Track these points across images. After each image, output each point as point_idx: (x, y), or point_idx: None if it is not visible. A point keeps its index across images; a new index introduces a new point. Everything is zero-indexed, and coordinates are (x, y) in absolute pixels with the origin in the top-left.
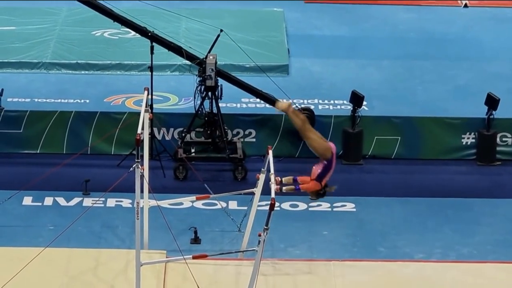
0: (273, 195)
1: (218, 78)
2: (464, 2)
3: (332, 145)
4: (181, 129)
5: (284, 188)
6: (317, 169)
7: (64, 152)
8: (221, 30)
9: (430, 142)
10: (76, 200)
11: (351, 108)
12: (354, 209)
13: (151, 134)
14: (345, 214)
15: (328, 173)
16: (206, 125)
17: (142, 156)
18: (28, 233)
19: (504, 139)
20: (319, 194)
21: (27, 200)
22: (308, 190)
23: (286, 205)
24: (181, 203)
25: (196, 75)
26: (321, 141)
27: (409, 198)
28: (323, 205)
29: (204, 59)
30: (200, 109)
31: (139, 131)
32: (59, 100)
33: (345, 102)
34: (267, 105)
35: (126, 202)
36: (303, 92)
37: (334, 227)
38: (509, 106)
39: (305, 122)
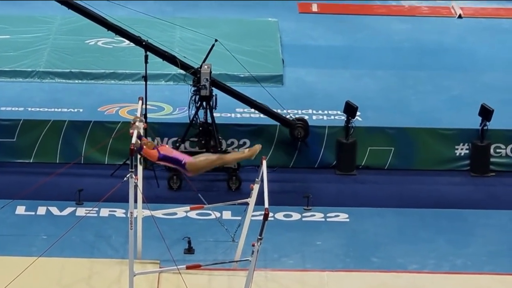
0: (266, 205)
1: (213, 88)
2: (458, 13)
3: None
4: (176, 138)
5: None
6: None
7: (58, 161)
8: (216, 40)
9: (424, 153)
10: (69, 210)
11: (345, 119)
12: (348, 220)
13: None
14: (338, 224)
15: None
16: (201, 135)
17: (136, 166)
18: (21, 243)
19: (498, 150)
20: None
21: (20, 209)
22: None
23: (280, 215)
24: (175, 213)
25: (191, 84)
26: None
27: (403, 208)
28: (317, 215)
29: (199, 69)
30: (195, 119)
31: (133, 140)
32: (53, 109)
33: (339, 112)
34: (262, 115)
35: (119, 212)
36: (297, 102)
37: (328, 237)
38: (503, 117)
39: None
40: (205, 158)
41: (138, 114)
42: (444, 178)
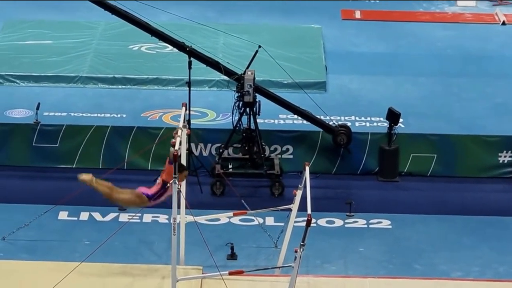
0: (309, 211)
1: (256, 94)
2: (502, 20)
3: (140, 190)
4: (219, 145)
5: None
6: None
7: (100, 167)
8: (259, 46)
9: (467, 160)
10: (112, 215)
11: (388, 125)
12: (390, 226)
13: (189, 150)
14: (381, 231)
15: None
16: (244, 141)
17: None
18: (64, 248)
19: None
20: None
21: (63, 215)
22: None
23: (322, 222)
24: (218, 219)
25: (234, 90)
26: (130, 196)
27: (446, 215)
28: (359, 222)
29: (242, 75)
30: (238, 125)
31: (176, 146)
32: (96, 115)
33: (381, 119)
34: (304, 122)
35: (162, 218)
36: (340, 109)
37: (370, 244)
38: None
39: (111, 188)
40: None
41: (182, 120)
42: (487, 185)
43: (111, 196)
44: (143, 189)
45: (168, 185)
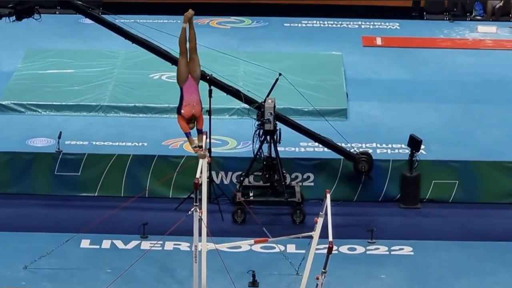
0: (330, 238)
1: (277, 122)
2: None
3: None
4: (240, 173)
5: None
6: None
7: (122, 195)
8: (280, 74)
9: (488, 186)
10: (134, 243)
11: (409, 152)
12: (412, 253)
13: (210, 178)
14: (403, 257)
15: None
16: (265, 169)
17: (200, 200)
18: (86, 276)
19: None
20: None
21: (85, 243)
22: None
23: (344, 249)
24: (240, 247)
25: (255, 118)
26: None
27: (467, 242)
28: (381, 249)
29: (263, 103)
30: (259, 153)
31: (197, 175)
32: (117, 143)
33: (403, 146)
34: (325, 149)
35: (184, 246)
36: (362, 136)
37: (392, 271)
38: None
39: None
40: None
41: (203, 148)
42: (509, 212)
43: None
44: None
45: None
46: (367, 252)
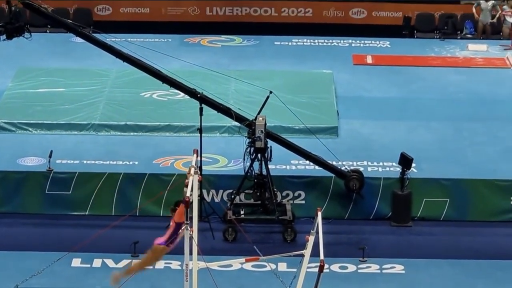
0: (322, 257)
1: (268, 140)
2: None
3: (156, 243)
4: (230, 191)
5: None
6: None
7: (113, 213)
8: (271, 92)
9: (480, 204)
10: (125, 262)
11: (400, 170)
12: (404, 271)
13: (200, 196)
14: (394, 276)
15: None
16: (256, 187)
17: (191, 218)
18: None
19: None
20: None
21: (76, 262)
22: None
23: (335, 267)
24: (230, 265)
25: (246, 136)
26: (151, 255)
27: (459, 260)
28: (372, 267)
29: (254, 121)
30: (250, 171)
31: (188, 193)
32: (108, 162)
33: (394, 164)
34: (316, 167)
35: (175, 264)
36: (352, 154)
37: None
38: None
39: (135, 265)
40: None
41: (193, 165)
42: (500, 230)
43: (140, 268)
44: (157, 241)
45: (182, 226)
46: (359, 271)
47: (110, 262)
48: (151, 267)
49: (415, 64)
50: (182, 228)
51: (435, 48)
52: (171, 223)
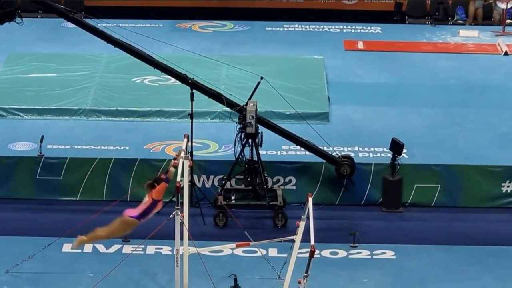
0: (312, 242)
1: (259, 125)
2: (504, 50)
3: (126, 214)
4: (221, 176)
5: None
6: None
7: (104, 199)
8: (262, 77)
9: (471, 190)
10: (115, 247)
11: (391, 156)
12: (394, 257)
13: (191, 181)
14: (385, 261)
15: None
16: (246, 173)
17: (182, 203)
18: (68, 280)
19: None
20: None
21: (67, 247)
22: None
23: (326, 253)
24: (221, 251)
25: (237, 122)
26: (120, 225)
27: (450, 246)
28: (363, 253)
29: (245, 106)
30: (241, 156)
31: (179, 178)
32: (99, 147)
33: (385, 149)
34: (307, 153)
35: (165, 249)
36: (343, 139)
37: (374, 275)
38: None
39: (100, 231)
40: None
41: (184, 152)
42: (491, 215)
43: (106, 236)
44: (128, 212)
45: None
46: (349, 256)
47: (101, 248)
48: (112, 236)
49: (406, 50)
50: (157, 206)
51: (427, 34)
52: (146, 198)
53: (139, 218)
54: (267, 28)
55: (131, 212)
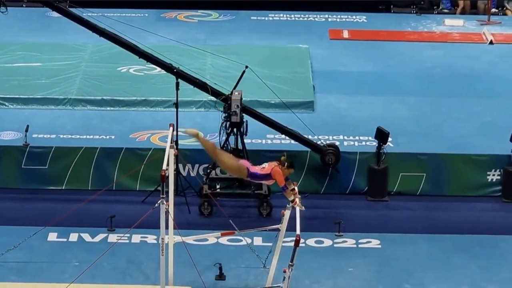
0: (298, 231)
1: (243, 114)
2: (489, 39)
3: (243, 162)
4: (206, 165)
5: None
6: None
7: (90, 188)
8: (246, 67)
9: (456, 179)
10: (101, 236)
11: (376, 145)
12: (380, 246)
13: (176, 170)
14: (370, 250)
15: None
16: None
17: (167, 192)
18: (53, 269)
19: None
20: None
21: (52, 236)
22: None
23: (311, 242)
24: (206, 239)
25: (222, 111)
26: (233, 162)
27: (435, 234)
28: (348, 242)
29: (230, 95)
30: (225, 145)
31: (164, 167)
32: (85, 136)
33: (370, 138)
34: (292, 142)
35: (151, 238)
36: (328, 128)
37: (360, 264)
38: None
39: (214, 146)
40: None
41: (169, 141)
42: (476, 204)
43: (214, 154)
44: (247, 163)
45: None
46: (335, 245)
47: (86, 236)
48: (217, 161)
49: (391, 39)
50: (267, 180)
51: (412, 23)
52: (266, 166)
53: (248, 176)
54: (252, 18)
55: (249, 165)
